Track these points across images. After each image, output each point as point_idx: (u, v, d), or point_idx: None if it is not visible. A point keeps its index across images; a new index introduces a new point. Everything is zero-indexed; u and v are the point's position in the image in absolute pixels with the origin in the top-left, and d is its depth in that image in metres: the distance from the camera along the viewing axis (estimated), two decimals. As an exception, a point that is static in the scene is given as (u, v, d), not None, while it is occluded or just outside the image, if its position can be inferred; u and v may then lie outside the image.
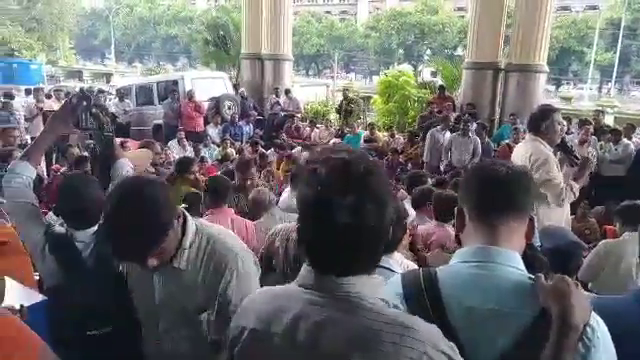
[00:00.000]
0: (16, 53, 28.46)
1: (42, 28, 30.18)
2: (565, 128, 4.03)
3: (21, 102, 11.15)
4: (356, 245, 0.97)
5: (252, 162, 5.18)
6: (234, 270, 1.53)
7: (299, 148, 9.49)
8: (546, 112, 3.42)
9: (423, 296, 1.15)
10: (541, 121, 3.35)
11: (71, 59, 38.97)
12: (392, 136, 10.73)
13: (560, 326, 1.01)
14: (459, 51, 36.38)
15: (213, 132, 10.70)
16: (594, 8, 39.02)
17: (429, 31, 40.25)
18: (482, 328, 1.09)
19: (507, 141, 8.37)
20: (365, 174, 0.96)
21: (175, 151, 8.86)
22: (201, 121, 10.98)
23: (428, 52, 42.21)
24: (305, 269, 1.04)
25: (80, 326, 1.74)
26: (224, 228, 1.70)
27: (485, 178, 1.24)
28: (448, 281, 1.17)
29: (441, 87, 11.88)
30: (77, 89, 15.14)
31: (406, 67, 19.26)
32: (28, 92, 13.30)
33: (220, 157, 9.08)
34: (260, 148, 9.45)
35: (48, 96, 11.24)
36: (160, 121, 11.39)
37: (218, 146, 9.93)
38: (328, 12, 54.21)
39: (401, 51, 44.12)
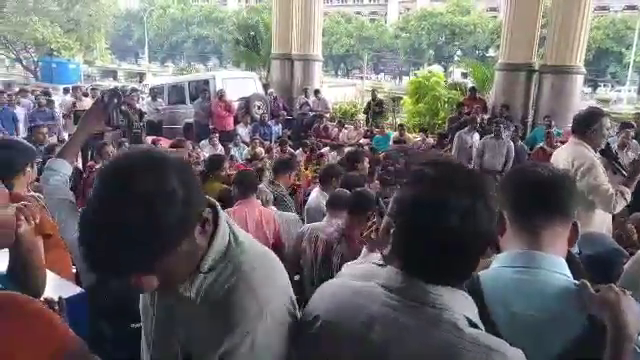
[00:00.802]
0: (55, 53, 29.37)
1: (80, 29, 31.00)
2: (610, 133, 3.87)
3: (59, 100, 11.50)
4: (459, 251, 0.92)
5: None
6: (248, 335, 1.01)
7: (327, 148, 9.48)
8: (595, 116, 3.24)
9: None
10: (588, 125, 3.17)
11: (107, 59, 39.96)
12: (422, 139, 10.62)
13: (615, 337, 0.98)
14: (491, 52, 35.82)
15: (243, 131, 10.80)
16: (633, 8, 37.74)
17: (460, 32, 39.74)
18: (526, 334, 1.06)
19: (541, 144, 8.17)
20: (479, 178, 0.95)
21: (206, 150, 8.97)
22: (231, 120, 11.09)
23: (459, 53, 41.70)
24: (392, 270, 0.99)
25: (122, 319, 1.77)
26: (266, 256, 1.18)
27: (527, 181, 1.20)
28: (491, 285, 1.14)
29: (472, 88, 11.70)
30: (112, 87, 15.55)
31: (436, 68, 19.03)
32: (66, 91, 13.73)
33: (249, 156, 9.15)
34: (288, 148, 9.49)
35: (84, 94, 11.56)
36: (191, 120, 11.55)
37: (247, 145, 10.01)
38: (358, 13, 54.11)
39: (431, 52, 43.70)
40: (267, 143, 10.21)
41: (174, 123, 12.12)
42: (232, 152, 9.34)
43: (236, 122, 11.19)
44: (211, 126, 10.74)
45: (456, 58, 41.56)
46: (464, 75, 27.77)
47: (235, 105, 11.35)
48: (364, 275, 1.08)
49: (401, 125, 11.49)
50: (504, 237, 1.21)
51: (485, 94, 11.89)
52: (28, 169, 2.45)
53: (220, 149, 9.41)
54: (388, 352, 0.92)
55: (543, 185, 1.16)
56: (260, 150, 9.35)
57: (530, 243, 1.14)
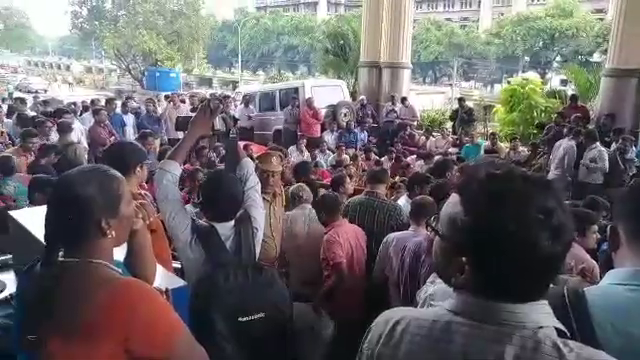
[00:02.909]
0: (159, 63, 31.71)
1: (181, 40, 33.22)
2: None
3: (162, 107, 12.37)
4: (548, 268, 0.87)
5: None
6: None
7: (414, 157, 9.34)
8: None
9: (567, 314, 1.06)
10: None
11: (203, 68, 42.39)
12: (514, 147, 10.12)
13: None
14: (595, 57, 33.31)
15: (329, 138, 10.95)
16: None
17: (560, 36, 37.34)
18: None
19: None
20: (560, 191, 0.90)
21: (293, 156, 9.20)
22: (318, 127, 11.31)
23: (558, 59, 39.23)
24: (463, 294, 0.92)
25: (232, 312, 1.87)
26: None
27: None
28: (599, 302, 1.06)
29: (573, 96, 10.95)
30: (208, 95, 16.46)
31: (532, 75, 18.03)
32: (167, 98, 14.73)
33: (334, 163, 9.25)
34: (374, 155, 9.48)
35: (182, 101, 12.33)
36: (280, 126, 11.92)
37: (333, 152, 10.13)
38: (448, 19, 52.86)
39: (526, 58, 41.56)
40: (352, 150, 10.27)
41: (264, 129, 12.57)
42: (318, 158, 9.50)
43: (323, 129, 11.37)
44: (299, 133, 11.00)
45: (554, 64, 39.15)
46: (563, 82, 26.11)
47: (323, 112, 11.55)
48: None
49: (493, 134, 11.03)
50: (619, 253, 1.13)
51: (588, 102, 11.08)
52: (138, 169, 2.66)
53: (307, 155, 9.61)
54: None
55: None
56: (345, 157, 9.42)
57: None
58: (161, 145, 7.57)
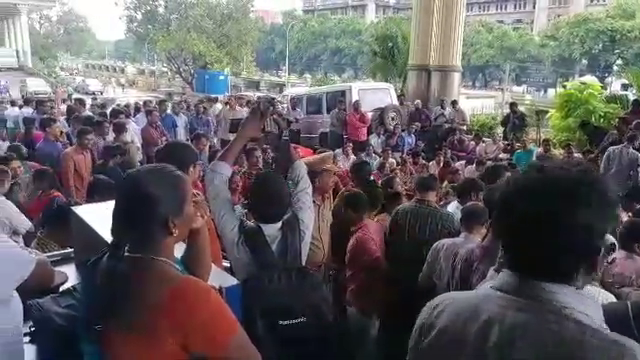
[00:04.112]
0: (209, 66, 32.53)
1: (230, 43, 33.96)
2: None
3: (211, 109, 12.68)
4: (571, 252, 0.93)
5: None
6: None
7: (462, 162, 9.14)
8: None
9: (629, 325, 1.07)
10: None
11: (251, 71, 43.14)
12: (569, 154, 9.70)
13: None
14: (660, 60, 31.63)
15: (376, 142, 10.87)
16: None
17: (622, 38, 35.64)
18: None
19: None
20: (588, 179, 0.95)
21: (340, 159, 9.20)
22: (365, 131, 11.25)
23: (618, 62, 37.43)
24: (505, 273, 1.02)
25: (272, 315, 1.88)
26: None
27: None
28: None
29: (636, 101, 10.39)
30: (255, 97, 16.74)
31: (590, 79, 17.27)
32: (215, 100, 15.11)
33: (379, 166, 9.17)
34: (421, 160, 9.33)
35: (232, 103, 12.58)
36: (326, 129, 11.94)
37: (379, 156, 10.05)
38: (501, 21, 51.56)
39: (584, 61, 39.93)
40: (399, 154, 10.16)
41: (310, 132, 12.63)
42: (364, 162, 9.45)
43: (369, 132, 11.31)
44: (345, 136, 10.98)
45: (615, 68, 37.39)
46: (624, 87, 24.87)
47: (369, 116, 11.49)
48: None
49: (546, 140, 10.62)
50: None
51: (651, 108, 10.48)
52: (191, 169, 2.72)
53: (352, 159, 9.58)
54: (508, 351, 0.92)
55: None
56: (392, 161, 9.33)
57: None
58: (210, 148, 7.75)
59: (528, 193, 0.95)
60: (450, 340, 1.02)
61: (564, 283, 0.94)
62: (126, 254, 1.25)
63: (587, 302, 0.95)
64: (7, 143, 7.10)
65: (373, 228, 3.52)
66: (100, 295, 1.25)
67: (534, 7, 52.65)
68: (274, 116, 2.37)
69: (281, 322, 1.89)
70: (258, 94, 25.58)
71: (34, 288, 1.52)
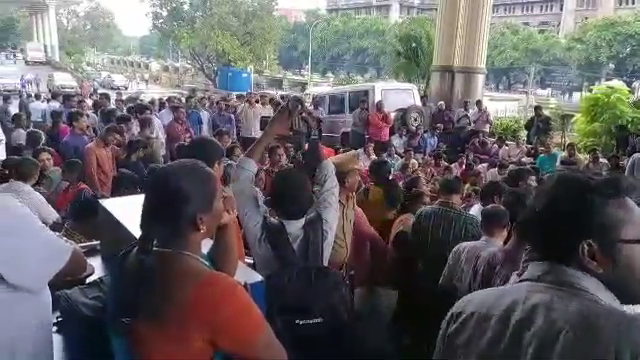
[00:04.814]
0: (232, 63, 32.76)
1: (254, 41, 34.12)
2: None
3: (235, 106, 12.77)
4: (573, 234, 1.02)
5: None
6: None
7: (485, 165, 9.03)
8: None
9: None
10: None
11: (274, 69, 43.31)
12: (595, 159, 9.51)
13: None
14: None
15: (398, 142, 10.82)
16: None
17: (651, 42, 34.82)
18: None
19: None
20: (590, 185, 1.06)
21: (361, 159, 9.17)
22: (387, 131, 11.20)
23: (647, 66, 36.58)
24: (531, 265, 1.10)
25: (290, 314, 1.88)
26: None
27: None
28: None
29: (665, 107, 10.17)
30: (277, 96, 16.79)
31: (617, 83, 16.91)
32: (238, 97, 15.20)
33: (401, 167, 9.12)
34: (443, 162, 9.25)
35: (256, 101, 12.63)
36: (348, 129, 11.92)
37: (401, 157, 9.99)
38: (526, 23, 50.80)
39: (611, 65, 39.06)
40: (421, 155, 10.09)
41: (332, 131, 12.63)
42: (385, 162, 9.40)
43: (392, 133, 11.26)
44: (367, 136, 10.95)
45: (643, 72, 36.56)
46: (653, 92, 24.25)
47: (392, 116, 11.44)
48: None
49: (571, 144, 10.43)
50: None
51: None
52: (216, 166, 2.74)
53: (373, 159, 9.55)
54: (527, 327, 0.99)
55: None
56: (414, 162, 9.27)
57: None
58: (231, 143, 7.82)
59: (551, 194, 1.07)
60: (476, 323, 1.09)
61: (586, 273, 1.01)
62: (154, 248, 1.26)
63: (607, 294, 1.01)
64: (25, 132, 7.22)
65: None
66: (128, 288, 1.27)
67: (561, 9, 51.67)
68: (303, 115, 2.36)
69: (298, 321, 1.89)
70: (280, 92, 25.66)
71: (66, 277, 1.55)
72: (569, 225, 1.03)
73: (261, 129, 2.53)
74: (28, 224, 1.36)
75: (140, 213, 1.30)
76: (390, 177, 5.37)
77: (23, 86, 27.41)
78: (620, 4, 46.23)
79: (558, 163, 9.53)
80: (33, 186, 4.02)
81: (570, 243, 1.02)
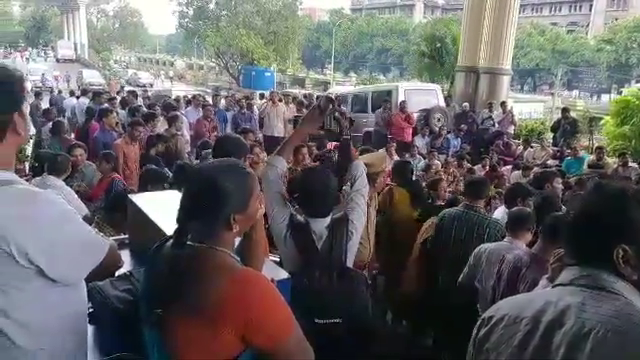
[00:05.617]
0: (255, 62, 32.96)
1: (277, 40, 34.27)
2: None
3: (256, 104, 12.86)
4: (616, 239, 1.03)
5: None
6: None
7: (509, 167, 8.91)
8: None
9: None
10: None
11: (297, 68, 43.41)
12: (624, 163, 9.28)
13: None
14: None
15: (421, 143, 10.74)
16: None
17: (684, 44, 33.82)
18: None
19: None
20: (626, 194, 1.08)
21: (383, 159, 9.13)
22: (410, 131, 11.14)
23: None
24: (565, 270, 1.12)
25: (309, 313, 1.89)
26: None
27: None
28: None
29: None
30: (300, 95, 16.81)
31: (648, 86, 16.46)
32: (261, 96, 15.29)
33: (424, 168, 9.05)
34: (466, 163, 9.15)
35: (279, 100, 12.69)
36: (371, 129, 11.88)
37: (424, 157, 9.92)
38: (554, 23, 49.85)
39: (642, 67, 38.10)
40: (443, 157, 10.00)
41: (355, 131, 12.55)
42: (408, 163, 9.34)
43: (414, 133, 11.19)
44: (389, 136, 10.91)
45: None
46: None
47: (415, 116, 11.37)
48: None
49: (600, 148, 10.20)
50: None
51: None
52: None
53: (395, 159, 9.50)
54: (558, 327, 1.01)
55: None
56: (437, 163, 9.19)
57: None
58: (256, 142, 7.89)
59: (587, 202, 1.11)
60: (506, 325, 1.11)
61: (620, 278, 1.02)
62: (188, 242, 1.29)
63: (636, 294, 1.02)
64: (49, 124, 7.38)
65: None
66: (162, 280, 1.30)
67: (590, 10, 50.57)
68: (336, 114, 2.36)
69: (317, 320, 1.91)
70: (303, 91, 25.72)
71: (103, 272, 1.59)
72: (605, 230, 1.04)
73: (294, 127, 2.55)
74: (69, 220, 1.40)
75: (169, 209, 1.33)
76: (413, 177, 5.35)
77: (43, 83, 27.94)
78: (652, 4, 45.02)
79: (585, 166, 9.34)
80: (65, 180, 4.13)
81: (605, 248, 1.03)
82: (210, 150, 5.28)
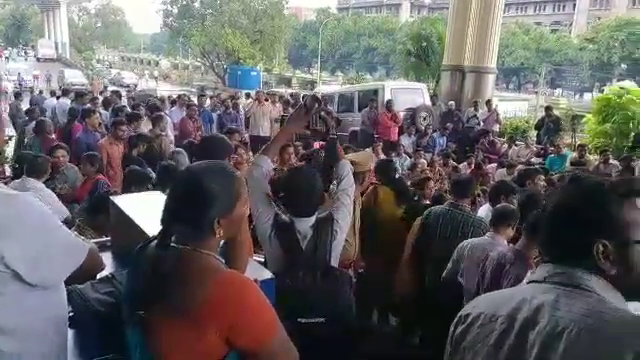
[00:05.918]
0: (241, 61, 32.82)
1: (264, 40, 34.17)
2: None
3: (242, 104, 12.80)
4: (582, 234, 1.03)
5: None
6: None
7: (494, 165, 8.98)
8: None
9: None
10: None
11: (283, 67, 43.31)
12: (606, 160, 9.42)
13: None
14: None
15: (407, 142, 10.78)
16: None
17: (665, 43, 34.44)
18: None
19: None
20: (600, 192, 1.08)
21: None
22: (396, 130, 11.18)
23: (660, 67, 36.19)
24: (540, 267, 1.11)
25: (293, 312, 1.89)
26: None
27: None
28: None
29: (678, 109, 10.05)
30: (287, 94, 16.79)
31: (629, 84, 16.69)
32: (247, 95, 15.22)
33: (410, 167, 9.09)
34: (452, 161, 9.21)
35: (266, 99, 12.64)
36: (357, 128, 11.90)
37: (410, 156, 9.97)
38: (538, 23, 50.42)
39: (623, 66, 38.67)
40: (429, 155, 10.05)
41: (341, 130, 12.57)
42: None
43: (401, 132, 11.23)
44: (376, 135, 10.94)
45: (656, 73, 36.13)
46: (665, 93, 23.94)
47: (401, 115, 11.41)
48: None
49: (582, 145, 10.34)
50: None
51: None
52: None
53: (381, 158, 9.52)
54: (532, 326, 1.00)
55: None
56: (423, 162, 9.24)
57: None
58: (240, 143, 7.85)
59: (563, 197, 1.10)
60: (482, 323, 1.10)
61: (597, 274, 1.01)
62: (172, 244, 1.27)
63: (615, 295, 1.01)
64: (33, 124, 7.28)
65: None
66: (146, 280, 1.28)
67: (574, 9, 51.25)
68: (322, 113, 2.35)
69: (300, 320, 1.91)
70: (289, 90, 25.68)
71: (83, 275, 1.57)
72: (584, 225, 1.03)
73: (280, 127, 2.54)
74: (47, 223, 1.38)
75: (151, 211, 1.31)
76: (397, 176, 5.37)
77: (20, 83, 27.55)
78: (634, 4, 45.75)
79: (568, 164, 9.46)
80: (45, 182, 4.06)
81: (584, 243, 1.02)
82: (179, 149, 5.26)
